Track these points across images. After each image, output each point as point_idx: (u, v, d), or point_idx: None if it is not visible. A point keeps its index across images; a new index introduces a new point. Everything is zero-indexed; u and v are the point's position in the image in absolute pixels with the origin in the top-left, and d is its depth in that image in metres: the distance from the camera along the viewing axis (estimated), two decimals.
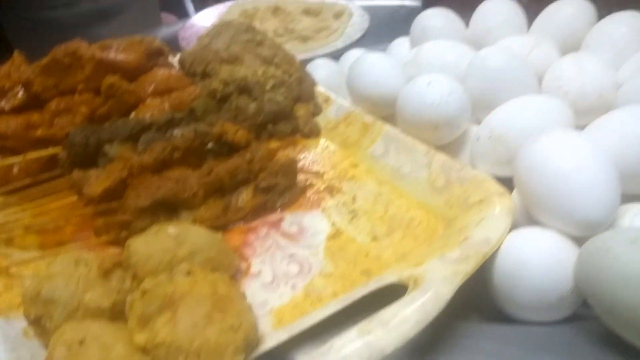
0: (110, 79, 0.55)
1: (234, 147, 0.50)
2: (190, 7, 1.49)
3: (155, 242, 0.38)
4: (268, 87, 0.58)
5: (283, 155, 0.54)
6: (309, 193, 0.50)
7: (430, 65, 0.55)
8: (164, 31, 1.04)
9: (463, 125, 0.50)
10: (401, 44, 0.69)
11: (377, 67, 0.56)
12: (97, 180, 0.45)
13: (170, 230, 0.39)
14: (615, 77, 0.48)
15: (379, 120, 0.54)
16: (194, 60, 0.63)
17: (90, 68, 0.56)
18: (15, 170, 0.51)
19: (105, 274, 0.36)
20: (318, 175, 0.52)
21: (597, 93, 0.46)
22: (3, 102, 0.54)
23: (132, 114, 0.56)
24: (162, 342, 0.30)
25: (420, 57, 0.57)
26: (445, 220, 0.43)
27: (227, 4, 1.10)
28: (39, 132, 0.53)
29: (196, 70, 0.62)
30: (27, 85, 0.54)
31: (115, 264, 0.37)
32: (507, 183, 0.42)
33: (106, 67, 0.57)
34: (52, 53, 0.55)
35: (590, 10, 0.57)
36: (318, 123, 0.59)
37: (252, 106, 0.57)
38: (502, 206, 0.39)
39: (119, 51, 0.59)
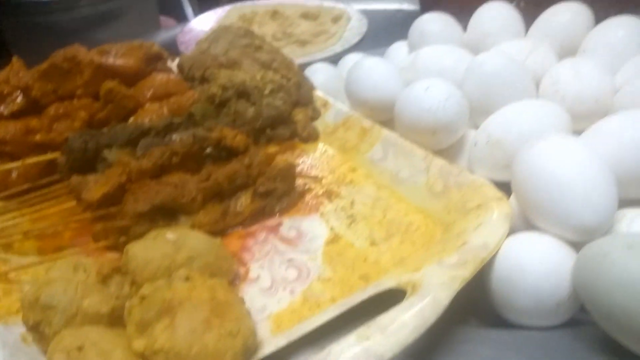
0: (109, 84, 0.55)
1: (233, 152, 0.50)
2: (189, 10, 1.49)
3: (154, 247, 0.38)
4: (266, 91, 0.58)
5: (281, 159, 0.54)
6: (308, 198, 0.50)
7: (427, 69, 0.56)
8: (163, 35, 1.04)
9: (461, 130, 0.50)
10: (399, 48, 0.69)
11: (375, 72, 0.56)
12: (96, 186, 0.45)
13: (169, 235, 0.39)
14: (612, 81, 0.48)
15: (377, 124, 0.54)
16: (193, 64, 0.63)
17: (89, 73, 0.56)
18: (14, 175, 0.51)
19: (104, 279, 0.37)
20: (316, 179, 0.52)
21: (594, 98, 0.46)
22: (2, 107, 0.54)
23: (131, 119, 0.56)
24: (161, 348, 0.30)
25: (418, 62, 0.57)
26: (444, 225, 0.44)
27: (226, 7, 1.10)
28: (38, 137, 0.53)
29: (195, 74, 0.62)
30: (25, 90, 0.54)
31: (114, 269, 0.38)
32: (505, 188, 0.42)
33: (105, 72, 0.57)
34: (51, 58, 0.55)
35: (587, 14, 0.57)
36: (316, 127, 0.59)
37: (251, 111, 0.57)
38: (499, 211, 0.39)
39: (117, 56, 0.59)
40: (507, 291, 0.36)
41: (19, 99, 0.55)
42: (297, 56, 0.79)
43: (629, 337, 0.31)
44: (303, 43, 0.89)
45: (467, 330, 0.36)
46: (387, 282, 0.37)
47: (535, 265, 0.35)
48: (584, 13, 0.57)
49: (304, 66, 0.68)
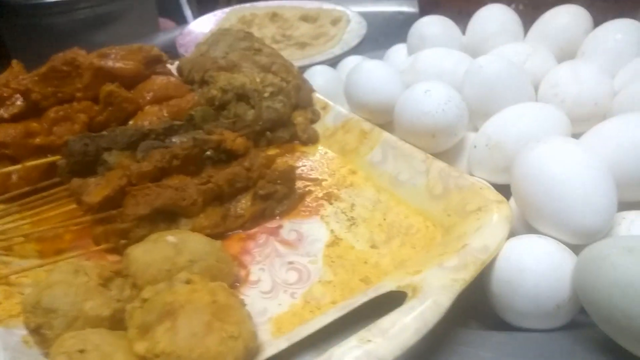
0: (109, 87, 0.55)
1: (233, 155, 0.50)
2: (188, 13, 1.49)
3: (155, 250, 0.38)
4: (266, 94, 0.59)
5: (282, 162, 0.55)
6: (308, 200, 0.50)
7: (427, 72, 0.56)
8: (162, 37, 1.04)
9: (460, 133, 0.50)
10: (398, 51, 0.69)
11: (375, 75, 0.56)
12: (96, 189, 0.45)
13: (170, 238, 0.39)
14: (611, 84, 0.48)
15: (377, 127, 0.54)
16: (193, 67, 0.63)
17: (89, 76, 0.56)
18: (15, 178, 0.51)
19: (105, 282, 0.37)
20: (317, 182, 0.52)
21: (593, 101, 0.46)
22: (2, 111, 0.54)
23: (131, 122, 0.57)
24: (162, 351, 0.30)
25: (418, 65, 0.57)
26: (444, 228, 0.44)
27: (225, 10, 1.10)
28: (38, 140, 0.53)
29: (194, 77, 0.62)
30: (25, 93, 0.54)
31: (115, 272, 0.38)
32: (505, 190, 0.42)
33: (105, 75, 0.57)
34: (51, 61, 0.55)
35: (586, 17, 0.57)
36: (316, 130, 0.59)
37: (251, 113, 0.57)
38: (499, 214, 0.39)
39: (117, 59, 0.59)
40: (507, 294, 0.36)
41: (19, 102, 0.55)
42: (296, 59, 0.79)
43: (628, 340, 0.31)
44: (302, 45, 0.89)
45: (467, 332, 0.36)
46: (387, 285, 0.37)
47: (535, 267, 0.35)
48: (582, 16, 0.57)
49: (303, 69, 0.68)
